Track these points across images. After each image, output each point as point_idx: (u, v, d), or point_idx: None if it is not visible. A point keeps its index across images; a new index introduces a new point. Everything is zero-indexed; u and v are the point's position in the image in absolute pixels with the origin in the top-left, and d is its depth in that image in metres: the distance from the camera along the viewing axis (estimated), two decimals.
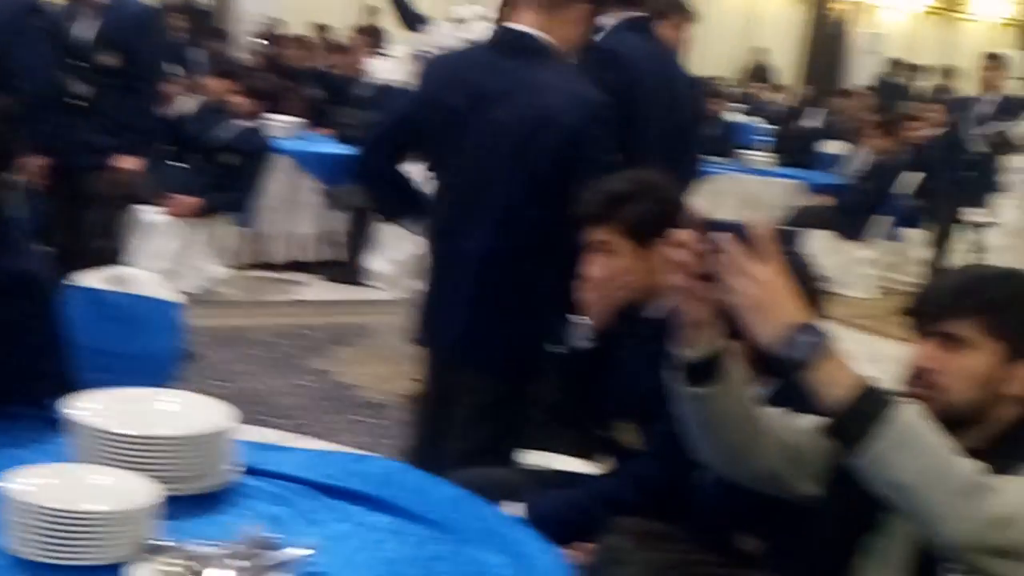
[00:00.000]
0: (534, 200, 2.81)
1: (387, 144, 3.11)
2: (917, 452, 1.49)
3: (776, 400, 2.00)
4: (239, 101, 6.31)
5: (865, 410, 1.51)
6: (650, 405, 2.17)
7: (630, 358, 2.46)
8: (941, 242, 8.12)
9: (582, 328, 2.62)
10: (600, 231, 2.47)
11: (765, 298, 1.54)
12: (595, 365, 2.60)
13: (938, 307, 1.78)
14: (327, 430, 4.44)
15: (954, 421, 1.72)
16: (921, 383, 1.75)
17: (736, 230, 1.58)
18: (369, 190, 3.77)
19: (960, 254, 7.70)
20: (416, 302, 3.13)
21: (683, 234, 1.61)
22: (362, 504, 1.97)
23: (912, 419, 1.51)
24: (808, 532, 1.85)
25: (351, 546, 1.80)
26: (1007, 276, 1.87)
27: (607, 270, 2.46)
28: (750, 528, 2.18)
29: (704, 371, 1.70)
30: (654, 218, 2.38)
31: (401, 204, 3.20)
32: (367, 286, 6.74)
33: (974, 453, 1.66)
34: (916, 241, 8.59)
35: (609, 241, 2.45)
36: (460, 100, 2.88)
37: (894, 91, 13.38)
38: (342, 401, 4.90)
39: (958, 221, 7.87)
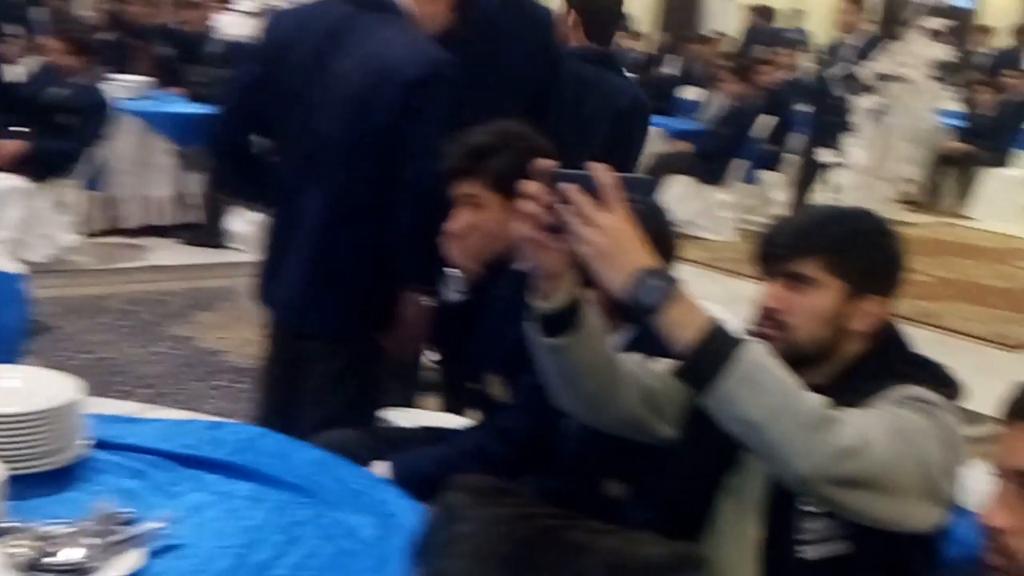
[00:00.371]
0: (374, 157, 2.75)
1: (238, 115, 3.00)
2: (763, 389, 1.51)
3: (634, 346, 2.02)
4: (73, 60, 6.08)
5: (713, 351, 1.52)
6: (517, 357, 2.17)
7: (498, 311, 2.44)
8: (799, 184, 8.32)
9: (454, 281, 2.60)
10: (465, 185, 2.45)
11: (611, 245, 1.54)
12: (465, 318, 2.58)
13: (783, 248, 1.81)
14: (191, 398, 4.35)
15: (802, 358, 1.75)
16: (769, 323, 1.78)
17: (582, 179, 1.57)
18: (221, 167, 3.63)
19: (816, 195, 7.92)
20: (258, 265, 3.05)
21: (532, 186, 1.60)
22: (220, 472, 1.92)
23: (758, 357, 1.53)
24: (669, 474, 1.88)
25: (209, 516, 1.76)
26: (849, 215, 1.91)
27: (474, 224, 2.44)
28: (615, 474, 2.20)
29: (561, 322, 1.69)
30: (520, 170, 2.38)
31: (249, 185, 3.11)
32: (227, 248, 6.60)
33: (822, 389, 1.69)
34: (773, 184, 8.80)
35: (475, 195, 2.43)
36: (303, 55, 2.80)
37: (757, 36, 13.59)
38: (205, 367, 4.80)
39: (815, 163, 8.07)
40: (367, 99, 2.72)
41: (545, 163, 1.60)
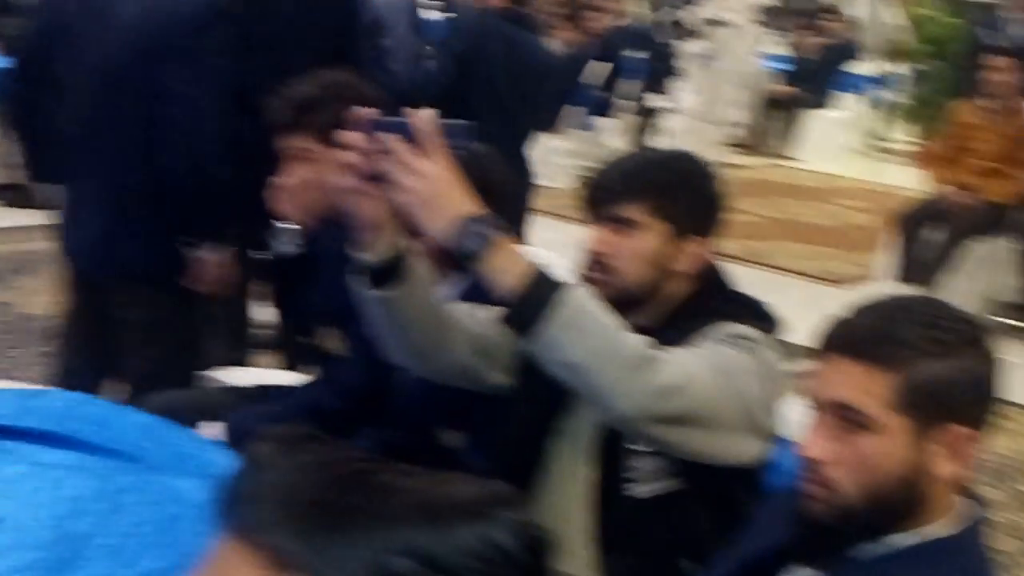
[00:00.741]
0: (150, 97, 2.69)
1: (31, 66, 2.88)
2: (586, 332, 1.52)
3: (466, 295, 2.01)
4: None
5: (535, 296, 1.52)
6: (350, 309, 2.14)
7: (330, 263, 2.40)
8: (631, 130, 8.43)
9: (286, 235, 2.54)
10: (294, 139, 2.40)
11: (432, 193, 1.52)
12: (298, 272, 2.54)
13: (607, 193, 1.82)
14: (14, 366, 4.18)
15: (629, 301, 1.77)
16: (596, 267, 1.80)
17: (401, 127, 1.54)
18: (15, 122, 3.44)
19: (648, 140, 8.04)
20: (58, 221, 2.96)
21: (350, 135, 1.56)
22: (40, 442, 1.84)
23: (581, 301, 1.54)
24: (503, 421, 1.89)
25: (28, 487, 1.68)
26: (671, 159, 1.93)
27: (306, 178, 2.39)
28: (451, 423, 2.20)
29: (386, 273, 1.67)
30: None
31: (33, 145, 3.01)
32: (51, 209, 6.31)
33: (648, 330, 1.72)
34: (607, 130, 8.89)
35: (306, 148, 2.38)
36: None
37: None
38: (28, 334, 4.60)
39: (646, 108, 8.19)
40: (143, 37, 2.70)
41: (363, 111, 1.57)
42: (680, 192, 1.81)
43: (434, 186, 1.51)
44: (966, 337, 1.35)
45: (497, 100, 4.32)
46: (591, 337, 1.51)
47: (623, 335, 1.55)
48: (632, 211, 1.79)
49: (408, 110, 1.55)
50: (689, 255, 1.81)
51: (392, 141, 1.53)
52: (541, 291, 1.52)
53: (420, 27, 4.38)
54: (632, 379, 1.52)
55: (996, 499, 3.92)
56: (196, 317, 2.87)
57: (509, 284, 1.53)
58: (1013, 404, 4.70)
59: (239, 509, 0.79)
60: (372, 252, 1.65)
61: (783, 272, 6.62)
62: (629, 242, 1.79)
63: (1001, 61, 5.97)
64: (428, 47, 4.39)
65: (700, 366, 1.60)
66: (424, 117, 1.54)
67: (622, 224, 1.79)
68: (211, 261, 2.81)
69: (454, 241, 1.52)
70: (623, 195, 1.79)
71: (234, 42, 2.73)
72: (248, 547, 0.78)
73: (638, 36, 8.54)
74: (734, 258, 6.80)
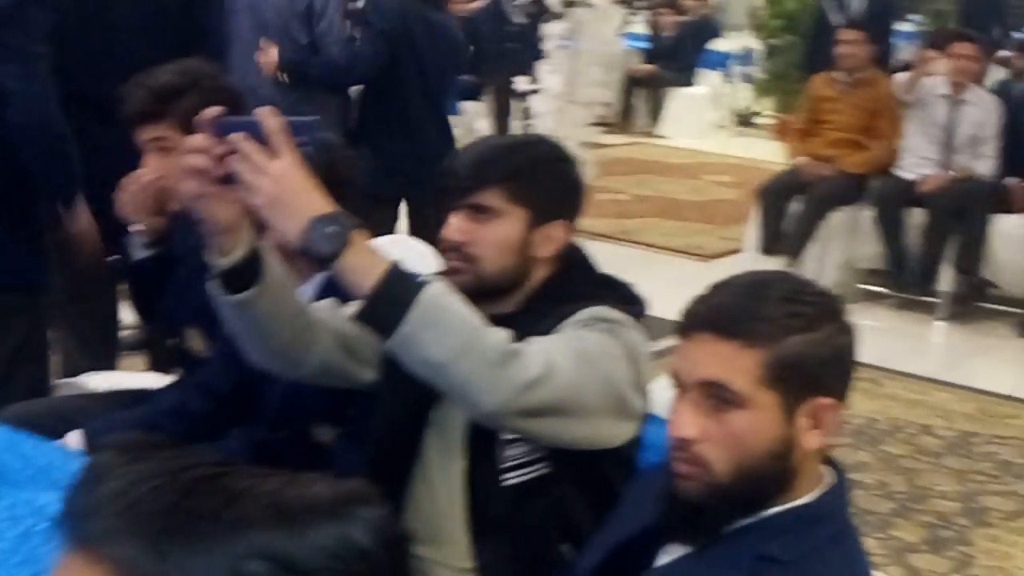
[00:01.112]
0: None
1: None
2: (445, 330, 1.50)
3: (326, 292, 1.97)
4: None
5: (391, 295, 1.50)
6: (212, 308, 2.09)
7: (188, 261, 2.34)
8: (498, 113, 8.43)
9: (139, 236, 2.46)
10: (154, 129, 2.33)
11: (282, 193, 1.48)
12: (157, 273, 2.46)
13: (463, 181, 1.79)
14: None
15: (491, 289, 1.76)
16: (456, 256, 1.77)
17: (249, 126, 1.50)
18: None
19: (515, 123, 8.06)
20: None
21: (197, 139, 1.51)
22: None
23: (438, 298, 1.52)
24: (375, 415, 1.86)
25: None
26: (525, 144, 1.90)
27: (165, 170, 2.32)
28: (324, 419, 2.16)
29: (242, 276, 1.62)
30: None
31: None
32: None
33: (512, 317, 1.71)
34: (475, 114, 8.88)
35: (165, 138, 2.32)
36: None
37: None
38: None
39: (512, 91, 8.19)
40: None
41: (210, 113, 1.52)
42: (537, 176, 1.79)
43: (283, 186, 1.48)
44: (826, 310, 1.38)
45: (423, 77, 4.68)
46: (450, 335, 1.50)
47: (484, 331, 1.53)
48: (489, 198, 1.76)
49: (256, 109, 1.51)
50: (550, 239, 1.79)
51: (239, 141, 1.48)
52: (397, 290, 1.50)
53: (348, 11, 4.63)
54: (495, 375, 1.51)
55: (865, 461, 4.04)
56: (43, 324, 2.77)
57: (365, 284, 1.50)
58: (878, 368, 4.86)
59: (82, 521, 0.75)
60: (227, 255, 1.60)
61: (654, 249, 6.72)
62: (488, 230, 1.76)
63: (850, 34, 6.14)
64: (357, 29, 4.64)
65: (563, 354, 1.60)
66: (269, 115, 1.49)
67: (480, 211, 1.76)
68: (81, 223, 2.75)
69: (306, 242, 1.49)
70: (479, 182, 1.76)
71: (51, 29, 2.65)
72: (94, 560, 0.74)
73: (500, 18, 8.54)
74: (604, 236, 6.88)
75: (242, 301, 1.63)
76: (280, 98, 4.27)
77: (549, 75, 6.25)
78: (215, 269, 1.62)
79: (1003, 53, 8.20)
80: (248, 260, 1.61)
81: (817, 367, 1.34)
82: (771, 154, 8.19)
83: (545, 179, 1.80)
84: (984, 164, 5.77)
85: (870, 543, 3.45)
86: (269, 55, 4.38)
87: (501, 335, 1.55)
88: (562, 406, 1.58)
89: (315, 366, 1.80)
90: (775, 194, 5.98)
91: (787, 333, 1.33)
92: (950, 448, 4.21)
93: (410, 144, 4.57)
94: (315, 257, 1.50)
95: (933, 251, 5.69)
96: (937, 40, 6.01)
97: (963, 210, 5.62)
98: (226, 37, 3.53)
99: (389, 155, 4.47)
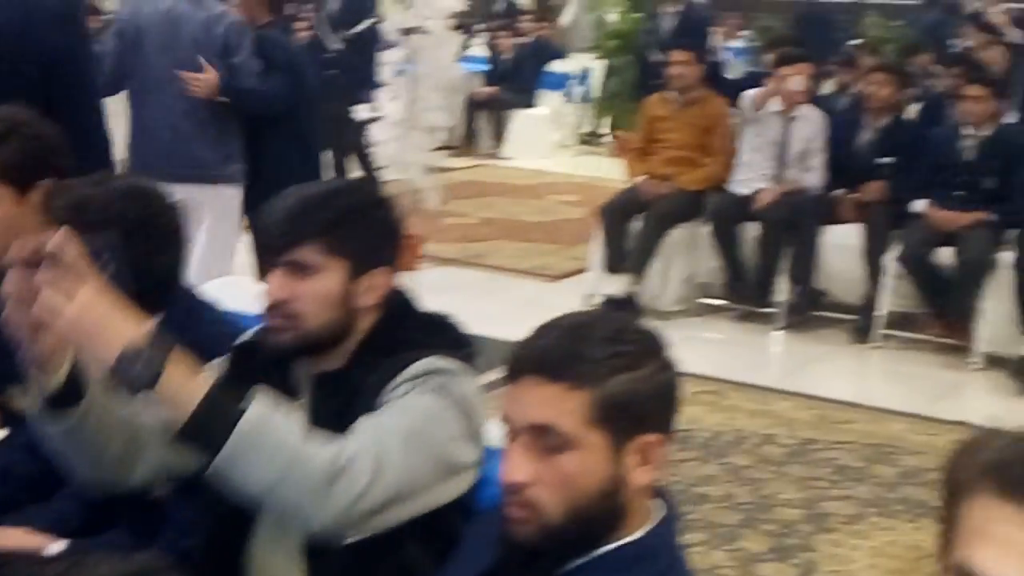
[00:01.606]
0: None
1: None
2: (265, 459, 1.47)
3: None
4: None
5: (206, 425, 1.46)
6: None
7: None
8: (336, 146, 8.33)
9: None
10: None
11: (88, 323, 1.43)
12: None
13: (278, 238, 1.74)
14: None
15: (317, 345, 1.73)
16: (278, 314, 1.72)
17: (50, 256, 1.44)
18: None
19: (355, 153, 7.99)
20: None
21: (8, 284, 1.46)
22: None
23: (258, 424, 1.48)
24: (205, 511, 1.80)
25: None
26: (339, 192, 1.83)
27: None
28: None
29: (67, 395, 1.57)
30: (29, 158, 2.24)
31: None
32: None
33: (341, 372, 1.68)
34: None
35: None
36: None
37: None
38: None
39: (351, 121, 8.11)
40: None
41: (18, 249, 1.46)
42: (353, 227, 1.74)
43: (89, 316, 1.43)
44: (648, 348, 1.40)
45: (315, 108, 5.06)
46: (272, 463, 1.47)
47: (306, 452, 1.50)
48: (306, 254, 1.71)
49: (48, 237, 1.45)
50: (373, 288, 1.75)
51: (44, 275, 1.43)
52: (213, 420, 1.46)
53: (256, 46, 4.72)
54: (322, 496, 1.50)
55: (711, 474, 4.13)
56: None
57: (180, 412, 1.46)
58: (721, 380, 4.99)
59: None
60: (49, 380, 1.55)
61: (501, 271, 6.74)
62: (308, 286, 1.71)
63: (680, 54, 6.30)
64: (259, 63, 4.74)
65: (392, 438, 1.58)
66: (61, 242, 1.44)
67: (298, 268, 1.71)
68: None
69: (118, 375, 1.44)
70: (294, 238, 1.71)
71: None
72: None
73: (314, 46, 8.40)
74: (452, 260, 6.88)
75: (69, 422, 1.58)
76: (199, 134, 4.50)
77: (389, 102, 6.23)
78: (38, 399, 1.57)
79: (828, 67, 8.55)
80: (70, 380, 1.57)
81: (642, 404, 1.37)
82: (615, 172, 8.32)
83: (362, 228, 1.75)
84: (812, 176, 5.98)
85: (719, 556, 3.53)
86: (208, 77, 4.47)
87: (327, 451, 1.52)
88: (397, 496, 1.58)
89: (149, 471, 1.75)
90: (616, 213, 6.09)
91: (612, 373, 1.35)
92: (792, 456, 4.33)
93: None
94: (130, 389, 1.45)
95: (768, 263, 5.87)
96: (786, 58, 6.21)
97: (795, 223, 5.82)
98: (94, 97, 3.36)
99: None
